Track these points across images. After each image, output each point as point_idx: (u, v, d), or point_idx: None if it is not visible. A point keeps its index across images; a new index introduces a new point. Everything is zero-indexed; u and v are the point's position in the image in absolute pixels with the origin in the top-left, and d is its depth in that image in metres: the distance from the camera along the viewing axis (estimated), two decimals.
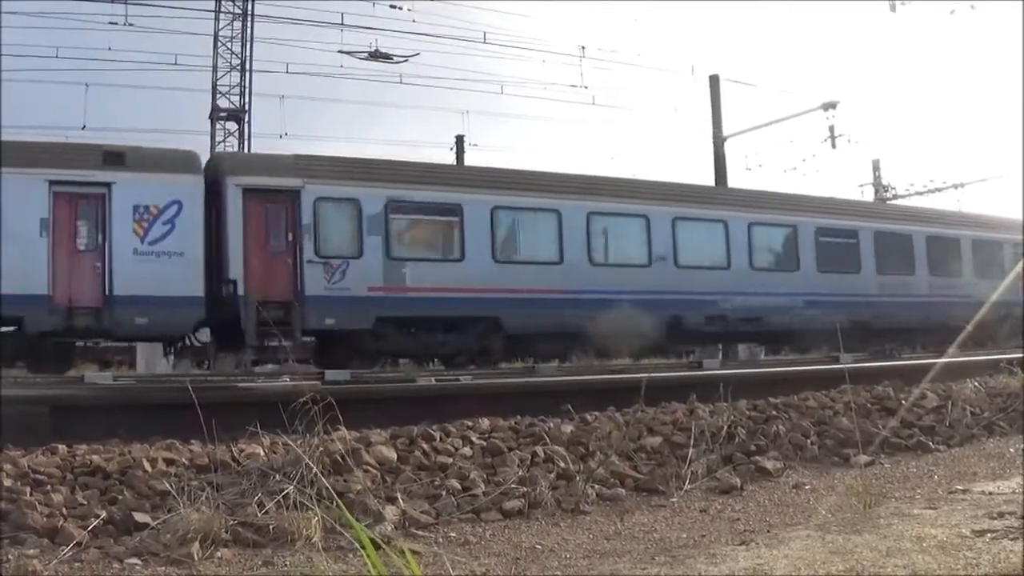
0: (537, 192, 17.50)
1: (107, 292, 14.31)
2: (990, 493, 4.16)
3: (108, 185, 14.39)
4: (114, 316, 14.28)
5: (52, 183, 14.04)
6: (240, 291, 14.79)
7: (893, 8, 27.93)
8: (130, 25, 24.05)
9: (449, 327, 16.39)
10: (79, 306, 14.19)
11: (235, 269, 14.95)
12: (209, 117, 27.60)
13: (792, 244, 20.07)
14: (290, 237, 15.53)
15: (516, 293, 16.64)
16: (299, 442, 4.26)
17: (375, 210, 16.04)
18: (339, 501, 3.38)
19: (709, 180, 28.11)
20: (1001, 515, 3.55)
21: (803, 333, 18.22)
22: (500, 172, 18.36)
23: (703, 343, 20.23)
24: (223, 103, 27.54)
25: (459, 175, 18.76)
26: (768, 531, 3.67)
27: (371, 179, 16.33)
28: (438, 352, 16.51)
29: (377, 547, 2.15)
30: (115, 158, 14.69)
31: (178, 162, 15.24)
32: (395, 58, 26.08)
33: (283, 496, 3.71)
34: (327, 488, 3.70)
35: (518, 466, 4.67)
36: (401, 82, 27.57)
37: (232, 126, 27.71)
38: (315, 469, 3.89)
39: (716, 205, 19.72)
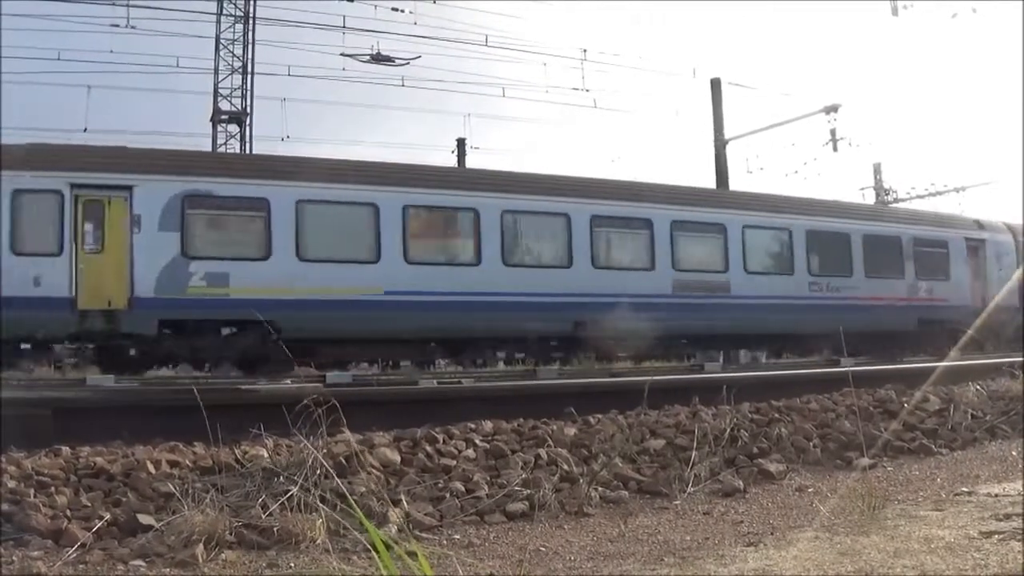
0: None
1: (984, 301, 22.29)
2: (995, 495, 4.16)
3: (983, 241, 23.56)
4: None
5: (967, 240, 23.32)
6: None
7: (895, 11, 27.95)
8: (132, 28, 24.07)
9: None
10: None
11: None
12: (211, 120, 27.63)
13: None
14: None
15: None
16: (303, 444, 4.26)
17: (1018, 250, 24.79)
18: (349, 501, 3.38)
19: (710, 183, 28.15)
20: (1007, 517, 3.55)
21: None
22: None
23: None
24: (224, 106, 27.56)
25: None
26: (772, 533, 3.66)
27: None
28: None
29: (386, 548, 2.14)
30: (980, 225, 24.18)
31: (1004, 228, 24.42)
32: (397, 61, 26.11)
33: (287, 498, 3.71)
34: (331, 490, 3.70)
35: (521, 468, 4.67)
36: (403, 85, 27.71)
37: (233, 129, 27.74)
38: (319, 471, 3.89)
39: None
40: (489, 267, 16.63)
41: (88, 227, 13.99)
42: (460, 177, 19.67)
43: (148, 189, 14.28)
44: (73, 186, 13.86)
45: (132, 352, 14.38)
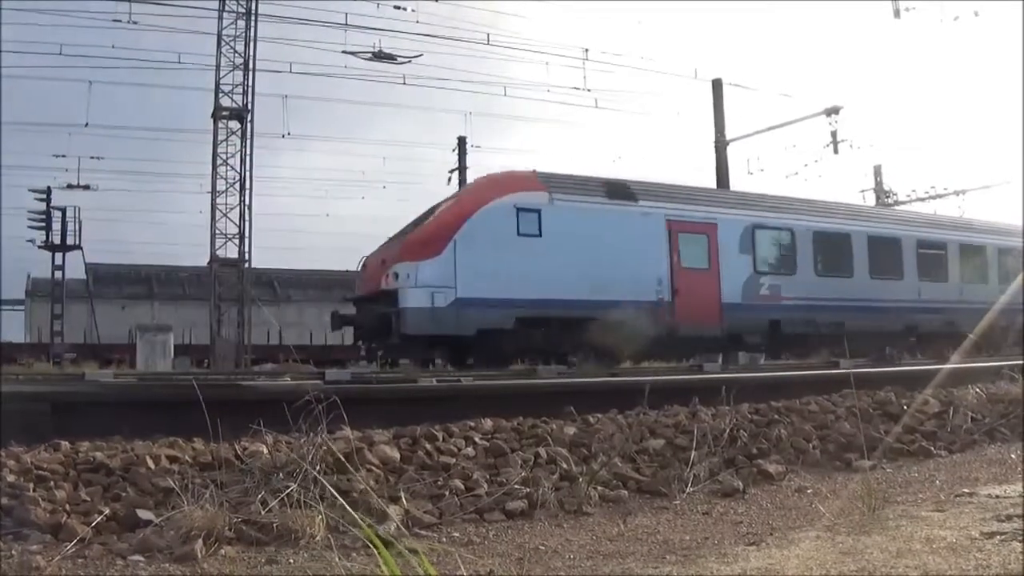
0: None
1: None
2: (996, 496, 4.16)
3: None
4: None
5: None
6: None
7: (896, 14, 27.97)
8: (133, 23, 24.13)
9: None
10: None
11: None
12: (212, 116, 27.59)
13: None
14: None
15: None
16: (302, 441, 4.25)
17: None
18: (342, 500, 3.37)
19: (711, 184, 28.16)
20: (1009, 518, 3.55)
21: None
22: None
23: None
24: (226, 102, 27.53)
25: None
26: (772, 533, 3.66)
27: None
28: None
29: (386, 546, 2.13)
30: None
31: None
32: (398, 59, 26.12)
33: (287, 494, 3.70)
34: (331, 487, 3.69)
35: (521, 467, 4.66)
36: (404, 83, 27.64)
37: (235, 125, 27.71)
38: (318, 468, 3.88)
39: None
40: None
41: None
42: None
43: None
44: None
45: None
